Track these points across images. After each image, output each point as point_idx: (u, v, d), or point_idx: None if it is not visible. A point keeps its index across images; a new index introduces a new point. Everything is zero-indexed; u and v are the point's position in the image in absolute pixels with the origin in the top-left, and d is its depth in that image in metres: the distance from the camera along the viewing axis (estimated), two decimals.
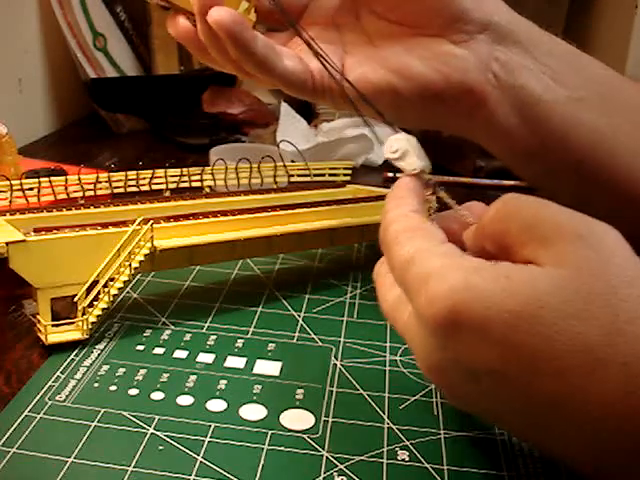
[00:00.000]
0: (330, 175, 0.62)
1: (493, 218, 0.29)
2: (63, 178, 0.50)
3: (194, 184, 0.56)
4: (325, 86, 0.39)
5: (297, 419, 0.38)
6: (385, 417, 0.38)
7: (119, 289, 0.43)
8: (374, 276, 0.35)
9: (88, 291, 0.42)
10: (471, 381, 0.28)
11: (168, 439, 0.35)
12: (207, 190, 0.56)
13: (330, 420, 0.37)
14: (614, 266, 0.25)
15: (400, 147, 0.33)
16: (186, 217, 0.47)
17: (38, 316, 0.42)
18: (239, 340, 0.45)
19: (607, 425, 0.25)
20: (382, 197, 0.56)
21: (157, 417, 0.37)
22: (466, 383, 0.29)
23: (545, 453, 0.34)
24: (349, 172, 0.63)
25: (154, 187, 0.54)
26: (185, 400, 0.39)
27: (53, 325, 0.42)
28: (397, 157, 0.33)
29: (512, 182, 0.78)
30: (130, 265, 0.43)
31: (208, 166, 0.57)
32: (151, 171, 0.54)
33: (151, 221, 0.44)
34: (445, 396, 0.32)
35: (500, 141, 0.42)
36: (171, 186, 0.55)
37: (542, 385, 0.25)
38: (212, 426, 0.37)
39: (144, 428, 0.36)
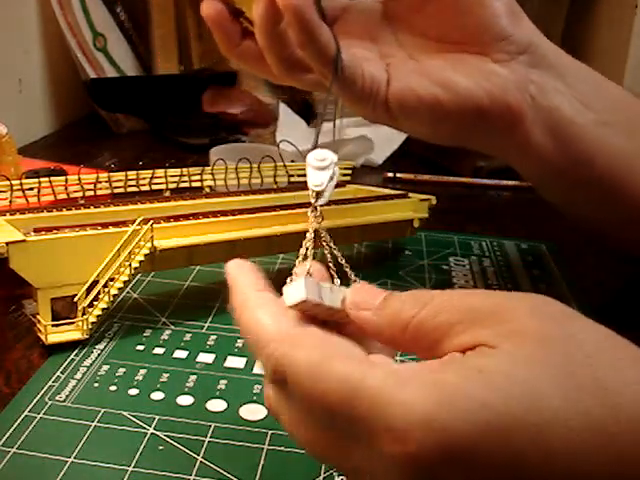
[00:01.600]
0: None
1: (423, 317, 0.24)
2: (63, 178, 0.50)
3: (194, 184, 0.56)
4: (373, 92, 0.39)
5: None
6: None
7: (119, 289, 0.43)
8: (273, 412, 0.27)
9: (88, 291, 0.42)
10: None
11: (168, 439, 0.35)
12: (207, 190, 0.56)
13: None
14: (575, 326, 0.23)
15: (329, 162, 0.30)
16: (186, 217, 0.47)
17: (38, 316, 0.42)
18: (239, 340, 0.45)
19: None
20: (382, 197, 0.56)
21: (157, 417, 0.37)
22: None
23: None
24: (349, 172, 0.63)
25: (154, 187, 0.54)
26: (185, 400, 0.39)
27: (53, 325, 0.42)
28: (321, 166, 0.30)
29: (512, 182, 0.78)
30: (130, 265, 0.43)
31: (208, 166, 0.57)
32: (151, 171, 0.54)
33: (151, 221, 0.44)
34: None
35: (531, 160, 0.43)
36: (171, 186, 0.55)
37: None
38: (212, 426, 0.37)
39: (144, 428, 0.36)
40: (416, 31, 0.42)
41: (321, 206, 0.30)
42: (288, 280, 0.28)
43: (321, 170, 0.30)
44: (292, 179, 0.59)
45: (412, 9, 0.42)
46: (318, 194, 0.30)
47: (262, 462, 0.34)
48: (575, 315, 0.24)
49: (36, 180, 0.49)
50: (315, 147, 0.31)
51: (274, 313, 0.26)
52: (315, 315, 0.27)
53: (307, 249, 0.30)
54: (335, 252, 0.30)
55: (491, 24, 0.40)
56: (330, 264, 0.30)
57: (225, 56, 0.44)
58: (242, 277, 0.28)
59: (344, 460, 0.24)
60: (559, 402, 0.21)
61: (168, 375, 0.41)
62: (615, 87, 0.45)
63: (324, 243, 0.30)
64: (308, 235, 0.30)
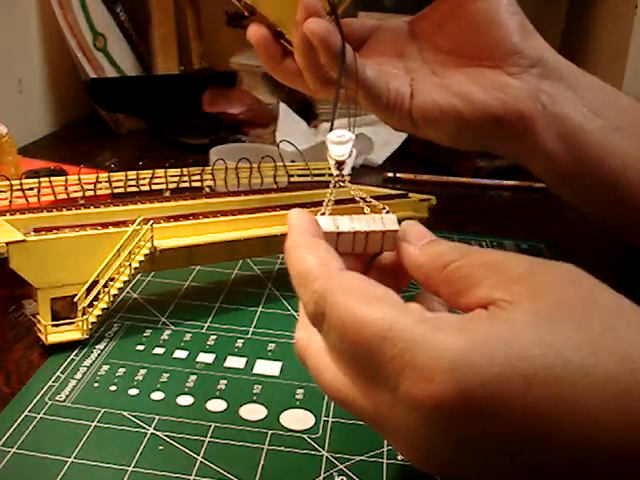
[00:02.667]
0: (330, 175, 0.62)
1: (462, 264, 0.26)
2: (63, 178, 0.50)
3: (194, 184, 0.56)
4: (397, 105, 0.43)
5: (297, 419, 0.38)
6: None
7: (119, 289, 0.43)
8: (300, 351, 0.29)
9: (88, 291, 0.42)
10: (477, 458, 0.24)
11: (168, 439, 0.35)
12: (207, 190, 0.56)
13: (330, 420, 0.37)
14: (592, 287, 0.25)
15: (348, 139, 0.33)
16: (186, 217, 0.47)
17: (38, 316, 0.42)
18: (239, 340, 0.45)
19: None
20: (382, 197, 0.56)
21: (157, 417, 0.37)
22: (470, 460, 0.24)
23: None
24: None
25: (154, 187, 0.54)
26: (185, 400, 0.39)
27: (53, 325, 0.42)
28: (341, 141, 0.33)
29: (512, 182, 0.78)
30: (130, 265, 0.43)
31: (208, 166, 0.57)
32: (151, 171, 0.54)
33: (151, 221, 0.44)
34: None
35: (543, 163, 0.46)
36: (171, 186, 0.55)
37: (564, 444, 0.22)
38: (212, 426, 0.37)
39: (144, 428, 0.36)
40: (438, 47, 0.47)
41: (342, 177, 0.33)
42: (319, 214, 0.31)
43: (341, 144, 0.33)
44: (292, 179, 0.59)
45: (435, 28, 0.47)
46: (340, 165, 0.33)
47: (262, 462, 0.34)
48: (599, 283, 0.25)
49: (36, 180, 0.49)
50: (332, 128, 0.33)
51: (322, 256, 0.27)
52: (351, 248, 0.30)
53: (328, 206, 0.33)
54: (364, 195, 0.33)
55: (504, 40, 0.44)
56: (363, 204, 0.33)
57: (269, 73, 0.48)
58: (298, 223, 0.30)
59: (365, 403, 0.25)
60: (579, 359, 0.22)
61: (168, 375, 0.41)
62: (626, 98, 0.47)
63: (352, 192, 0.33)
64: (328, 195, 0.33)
